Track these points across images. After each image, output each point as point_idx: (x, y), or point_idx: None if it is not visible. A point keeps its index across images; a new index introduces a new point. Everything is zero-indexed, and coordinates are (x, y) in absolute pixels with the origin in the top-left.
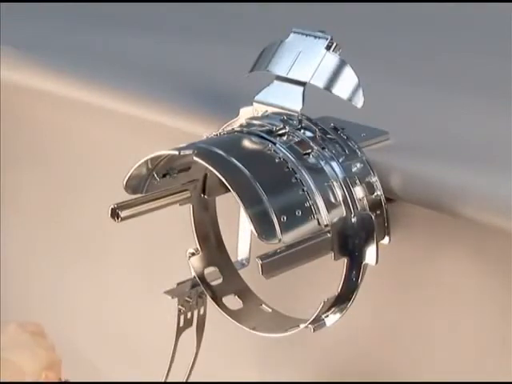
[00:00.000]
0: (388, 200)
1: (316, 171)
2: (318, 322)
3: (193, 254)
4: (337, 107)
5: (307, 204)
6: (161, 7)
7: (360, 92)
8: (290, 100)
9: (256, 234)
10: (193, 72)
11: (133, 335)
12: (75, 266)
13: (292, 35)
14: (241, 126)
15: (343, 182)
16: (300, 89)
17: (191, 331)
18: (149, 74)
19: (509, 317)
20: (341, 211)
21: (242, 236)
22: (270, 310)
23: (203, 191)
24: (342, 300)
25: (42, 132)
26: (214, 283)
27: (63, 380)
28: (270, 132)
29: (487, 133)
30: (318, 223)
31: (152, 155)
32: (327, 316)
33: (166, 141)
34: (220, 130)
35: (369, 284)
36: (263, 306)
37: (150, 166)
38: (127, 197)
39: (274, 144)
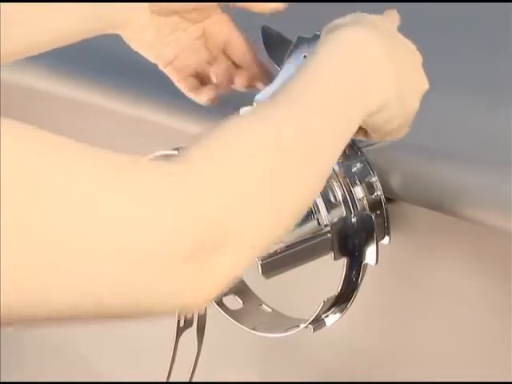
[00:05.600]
0: (388, 200)
1: None
2: (317, 321)
3: None
4: None
5: None
6: None
7: None
8: None
9: None
10: None
11: (133, 335)
12: None
13: (297, 40)
14: None
15: (343, 181)
16: None
17: (191, 331)
18: (149, 74)
19: (509, 316)
20: (341, 211)
21: None
22: (270, 310)
23: None
24: (341, 300)
25: None
26: None
27: None
28: None
29: (487, 133)
30: (318, 223)
31: (152, 155)
32: (327, 316)
33: (166, 141)
34: None
35: (369, 284)
36: (263, 305)
37: None
38: None
39: None
